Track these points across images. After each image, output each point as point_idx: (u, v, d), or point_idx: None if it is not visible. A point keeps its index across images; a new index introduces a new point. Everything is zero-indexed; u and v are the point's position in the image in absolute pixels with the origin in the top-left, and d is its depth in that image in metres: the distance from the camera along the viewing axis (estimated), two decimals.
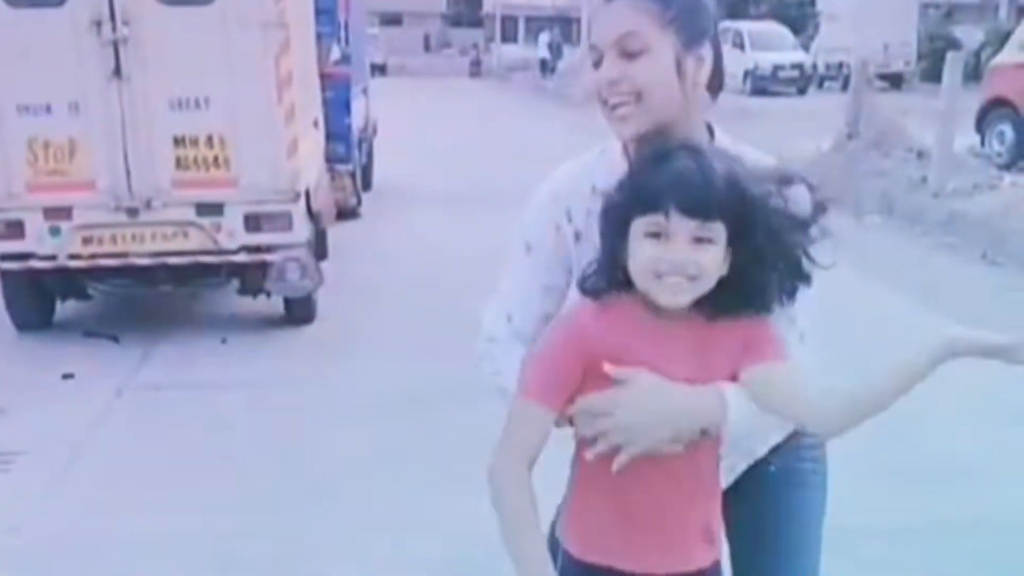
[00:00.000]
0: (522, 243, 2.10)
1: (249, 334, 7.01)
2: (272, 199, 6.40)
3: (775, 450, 2.18)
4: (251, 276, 6.82)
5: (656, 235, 1.74)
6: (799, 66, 33.16)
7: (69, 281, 6.83)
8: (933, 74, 21.09)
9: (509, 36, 49.29)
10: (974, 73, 19.55)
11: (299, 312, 7.11)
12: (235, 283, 7.04)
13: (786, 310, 1.94)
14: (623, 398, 1.79)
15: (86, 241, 6.39)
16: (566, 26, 48.33)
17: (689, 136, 1.92)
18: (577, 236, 2.04)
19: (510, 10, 49.15)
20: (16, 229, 6.32)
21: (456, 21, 67.52)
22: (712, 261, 1.75)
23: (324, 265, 7.41)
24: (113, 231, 6.39)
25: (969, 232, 9.65)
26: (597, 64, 1.92)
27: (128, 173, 6.30)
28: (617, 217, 1.79)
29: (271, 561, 4.09)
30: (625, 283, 1.81)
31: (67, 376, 6.16)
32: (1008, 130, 14.20)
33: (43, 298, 7.04)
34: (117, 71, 6.17)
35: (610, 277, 1.82)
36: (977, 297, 7.99)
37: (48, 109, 6.20)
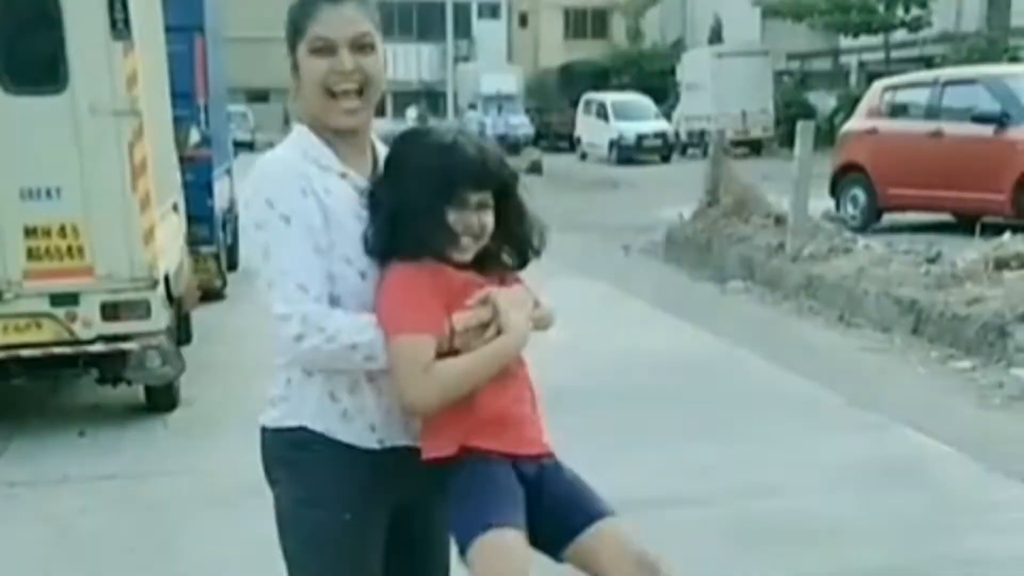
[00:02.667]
0: (278, 218, 2.22)
1: (109, 425, 6.83)
2: (129, 287, 6.27)
3: None
4: (110, 365, 6.64)
5: (464, 204, 2.26)
6: (662, 135, 34.05)
7: None
8: (790, 139, 21.74)
9: (376, 111, 49.34)
10: (828, 138, 20.23)
11: (161, 400, 6.96)
12: (93, 373, 6.84)
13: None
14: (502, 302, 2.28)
15: None
16: (432, 100, 48.75)
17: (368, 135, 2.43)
18: (326, 191, 2.28)
19: None
20: None
21: None
22: (490, 220, 2.31)
23: (188, 349, 7.27)
24: None
25: (827, 295, 9.93)
26: (322, 53, 2.26)
27: None
28: (435, 193, 2.24)
29: None
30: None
31: None
32: (860, 194, 14.75)
33: None
34: None
35: (440, 238, 2.26)
36: (836, 358, 8.23)
37: None
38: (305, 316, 2.17)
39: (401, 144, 2.36)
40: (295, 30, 2.30)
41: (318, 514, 2.33)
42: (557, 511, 2.34)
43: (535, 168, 28.34)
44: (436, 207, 2.23)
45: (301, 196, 2.23)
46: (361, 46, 2.27)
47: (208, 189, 10.05)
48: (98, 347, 6.38)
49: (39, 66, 6.19)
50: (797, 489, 5.47)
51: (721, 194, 13.31)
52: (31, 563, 4.88)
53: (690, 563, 4.59)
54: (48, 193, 6.12)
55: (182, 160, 8.63)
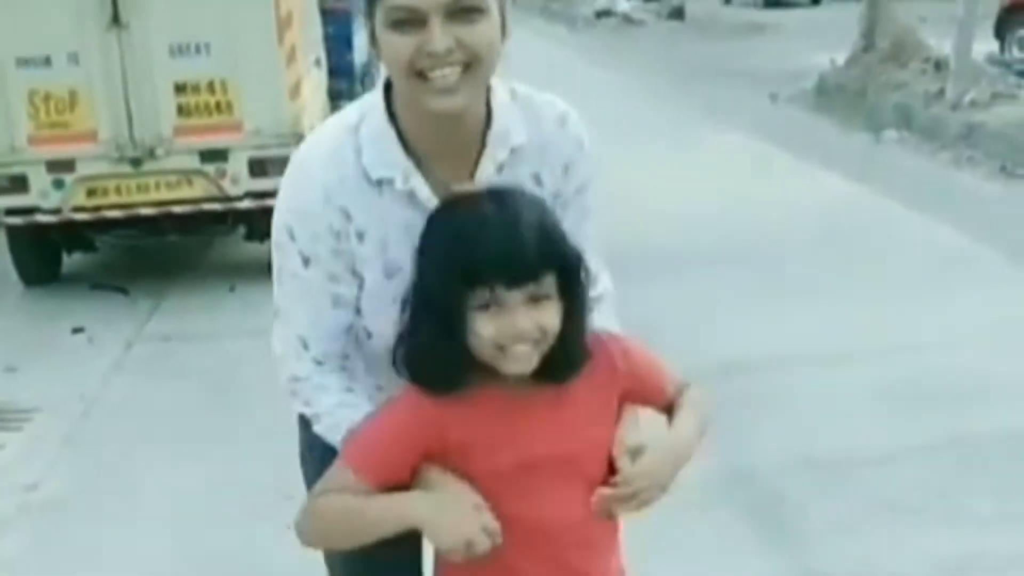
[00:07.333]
0: (297, 257, 1.79)
1: (257, 281, 6.85)
2: (275, 143, 6.28)
3: None
4: (258, 222, 6.69)
5: (487, 306, 1.64)
6: None
7: (75, 234, 6.79)
8: None
9: None
10: None
11: None
12: (242, 229, 6.97)
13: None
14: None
15: (90, 193, 6.32)
16: None
17: (478, 105, 1.75)
18: (360, 235, 1.78)
19: None
20: (19, 183, 6.26)
21: None
22: (551, 317, 1.68)
23: None
24: (117, 182, 6.32)
25: (989, 144, 9.51)
26: (405, 27, 1.62)
27: (130, 122, 6.22)
28: (446, 298, 1.66)
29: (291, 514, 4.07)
30: (468, 360, 1.71)
31: (77, 330, 6.15)
32: None
33: (49, 252, 7.01)
34: (115, 19, 6.07)
35: (455, 360, 1.70)
36: (997, 212, 7.91)
37: (48, 61, 6.11)
38: (296, 379, 1.90)
39: (429, 224, 1.73)
40: None
41: None
42: None
43: (676, 14, 27.49)
44: (456, 313, 1.66)
45: (330, 238, 1.77)
46: (462, 10, 1.61)
47: (348, 43, 9.96)
48: (246, 203, 6.45)
49: None
50: (951, 347, 5.30)
51: (877, 38, 12.76)
52: (188, 413, 5.04)
53: (838, 422, 4.56)
54: (197, 49, 6.14)
55: (323, 13, 8.57)
